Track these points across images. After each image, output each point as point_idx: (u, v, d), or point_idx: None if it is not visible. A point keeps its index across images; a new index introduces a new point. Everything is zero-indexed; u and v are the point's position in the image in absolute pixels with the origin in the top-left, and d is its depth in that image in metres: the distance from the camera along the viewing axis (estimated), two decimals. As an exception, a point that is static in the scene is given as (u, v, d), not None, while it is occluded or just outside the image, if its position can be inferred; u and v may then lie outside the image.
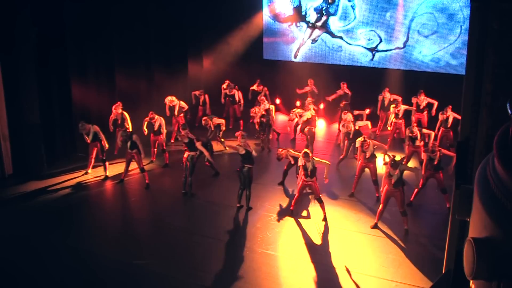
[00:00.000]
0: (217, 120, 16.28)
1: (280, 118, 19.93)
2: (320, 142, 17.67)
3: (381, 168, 13.38)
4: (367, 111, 18.28)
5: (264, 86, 19.13)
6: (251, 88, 19.32)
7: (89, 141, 14.51)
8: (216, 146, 16.05)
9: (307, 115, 16.03)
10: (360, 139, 13.33)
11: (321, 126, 19.26)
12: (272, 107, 17.81)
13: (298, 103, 18.99)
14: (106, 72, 17.61)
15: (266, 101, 17.43)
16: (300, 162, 12.16)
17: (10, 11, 14.01)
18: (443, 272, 8.23)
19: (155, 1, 18.28)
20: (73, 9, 15.83)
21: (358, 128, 14.97)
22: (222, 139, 16.52)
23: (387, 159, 11.92)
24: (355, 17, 19.43)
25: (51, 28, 15.13)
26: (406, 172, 11.82)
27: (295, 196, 12.56)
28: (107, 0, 16.92)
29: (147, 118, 15.44)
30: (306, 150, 12.23)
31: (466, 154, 7.36)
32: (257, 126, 16.80)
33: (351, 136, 14.81)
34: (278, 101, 20.80)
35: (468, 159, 7.33)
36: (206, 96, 18.40)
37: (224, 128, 16.42)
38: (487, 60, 6.95)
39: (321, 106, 19.89)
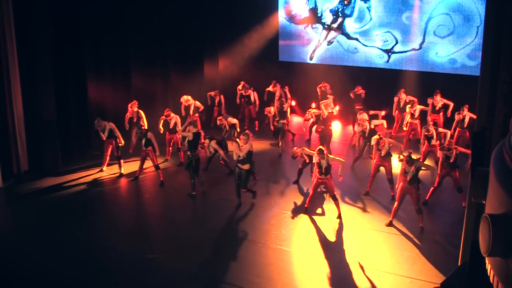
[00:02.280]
0: (232, 120, 16.26)
1: (296, 120, 19.92)
2: (336, 143, 17.60)
3: (396, 167, 13.30)
4: (383, 112, 18.22)
5: (280, 87, 19.07)
6: (267, 89, 19.30)
7: (104, 138, 14.57)
8: (231, 146, 16.02)
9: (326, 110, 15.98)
10: (375, 137, 13.26)
11: (336, 128, 19.24)
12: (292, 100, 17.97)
13: (313, 105, 18.93)
14: (122, 70, 17.74)
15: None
16: (315, 159, 12.12)
17: (27, 8, 14.15)
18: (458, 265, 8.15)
19: (172, 0, 18.35)
20: (90, 7, 15.98)
21: (374, 127, 14.89)
22: (237, 139, 16.47)
23: (402, 156, 11.81)
24: (371, 19, 19.39)
25: (67, 26, 15.29)
26: (421, 172, 11.74)
27: (310, 193, 12.52)
28: (124, -1, 17.10)
29: (163, 116, 15.50)
30: (320, 147, 12.18)
31: (483, 144, 7.28)
32: (272, 128, 16.82)
33: (366, 134, 14.75)
34: (293, 102, 20.78)
35: (485, 149, 7.25)
36: (222, 96, 18.43)
37: (239, 129, 16.38)
38: (504, 49, 6.90)
39: (337, 108, 19.84)
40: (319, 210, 12.72)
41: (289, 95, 18.99)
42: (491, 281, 4.31)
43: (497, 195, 4.15)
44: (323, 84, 18.82)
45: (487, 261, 4.36)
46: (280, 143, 16.53)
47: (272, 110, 16.95)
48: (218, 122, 16.34)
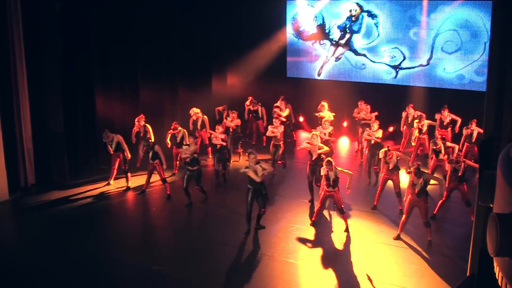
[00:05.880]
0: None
1: (304, 136, 19.89)
2: (343, 158, 17.58)
3: (404, 181, 13.22)
4: (391, 128, 18.24)
5: (287, 103, 19.03)
6: (275, 104, 19.28)
7: (112, 152, 14.59)
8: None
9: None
10: (383, 149, 13.21)
11: (344, 143, 19.24)
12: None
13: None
14: (130, 84, 17.83)
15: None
16: (323, 171, 12.06)
17: (36, 22, 14.27)
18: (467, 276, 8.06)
19: (180, 15, 18.49)
20: (99, 21, 16.12)
21: (380, 140, 14.82)
22: (241, 149, 16.56)
23: (411, 169, 11.74)
24: (378, 35, 19.44)
25: (76, 40, 15.43)
26: (429, 187, 11.67)
27: (317, 206, 12.45)
28: (133, 14, 17.21)
29: (171, 130, 15.52)
30: (329, 158, 12.12)
31: (490, 154, 7.23)
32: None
33: (372, 142, 14.72)
34: (301, 119, 20.83)
35: (492, 159, 7.20)
36: (230, 112, 18.42)
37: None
38: (510, 57, 6.88)
39: (344, 124, 19.85)
40: (326, 223, 12.66)
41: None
42: (500, 284, 4.26)
43: (504, 194, 4.12)
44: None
45: (495, 264, 4.32)
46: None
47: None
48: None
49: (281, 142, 15.69)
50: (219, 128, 15.22)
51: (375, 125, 14.94)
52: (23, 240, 12.27)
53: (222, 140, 14.88)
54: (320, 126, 15.47)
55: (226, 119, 17.25)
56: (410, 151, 16.80)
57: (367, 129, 15.17)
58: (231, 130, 16.47)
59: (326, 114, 17.14)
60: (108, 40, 16.78)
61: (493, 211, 4.33)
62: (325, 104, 17.74)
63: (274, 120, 16.16)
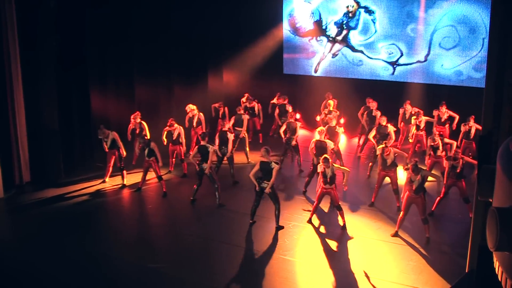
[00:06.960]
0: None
1: (300, 133, 19.76)
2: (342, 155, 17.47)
3: (402, 178, 13.15)
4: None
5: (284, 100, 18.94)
6: (271, 101, 19.23)
7: (107, 149, 14.49)
8: (239, 158, 15.98)
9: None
10: (381, 146, 13.13)
11: (341, 140, 19.11)
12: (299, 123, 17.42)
13: (318, 118, 18.69)
14: (125, 81, 17.74)
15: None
16: (320, 168, 11.98)
17: (32, 18, 14.17)
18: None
19: (176, 12, 18.39)
20: (95, 18, 16.03)
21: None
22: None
23: (408, 165, 11.68)
24: (375, 31, 19.32)
25: (72, 36, 15.27)
26: (427, 183, 11.61)
27: (314, 203, 12.38)
28: (129, 11, 17.15)
29: (167, 128, 15.41)
30: (326, 155, 12.04)
31: (489, 149, 7.17)
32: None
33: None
34: (298, 115, 20.69)
35: (491, 155, 7.13)
36: (226, 108, 18.32)
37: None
38: (509, 52, 6.81)
39: (342, 120, 19.73)
40: (323, 220, 12.59)
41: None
42: (500, 279, 4.20)
43: (504, 189, 4.06)
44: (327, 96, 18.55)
45: (494, 259, 4.25)
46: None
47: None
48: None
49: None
50: (231, 121, 16.18)
51: (383, 121, 15.05)
52: (18, 238, 12.20)
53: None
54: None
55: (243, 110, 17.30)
56: (408, 147, 16.75)
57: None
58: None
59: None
60: (104, 38, 16.66)
61: (492, 205, 4.26)
62: (331, 102, 17.72)
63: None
